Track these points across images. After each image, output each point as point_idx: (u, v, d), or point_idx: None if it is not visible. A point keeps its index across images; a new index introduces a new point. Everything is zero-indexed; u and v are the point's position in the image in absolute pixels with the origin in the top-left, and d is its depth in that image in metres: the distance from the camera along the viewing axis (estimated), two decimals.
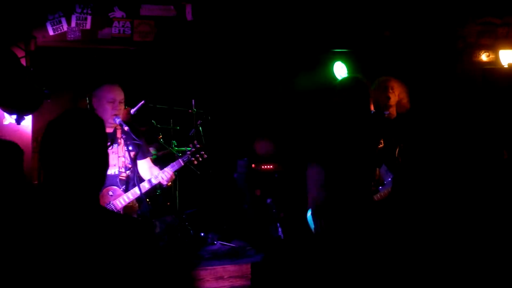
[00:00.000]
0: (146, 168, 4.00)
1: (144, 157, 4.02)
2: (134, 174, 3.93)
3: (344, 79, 3.83)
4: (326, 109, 3.76)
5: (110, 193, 3.77)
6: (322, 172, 3.42)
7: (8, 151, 2.65)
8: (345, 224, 3.27)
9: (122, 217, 1.81)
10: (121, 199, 3.76)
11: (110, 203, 3.74)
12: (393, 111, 4.28)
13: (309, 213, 4.21)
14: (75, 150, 1.65)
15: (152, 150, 5.21)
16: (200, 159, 4.01)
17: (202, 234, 5.55)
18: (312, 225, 4.21)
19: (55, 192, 1.64)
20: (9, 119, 4.50)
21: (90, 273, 1.57)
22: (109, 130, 3.87)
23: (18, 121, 4.31)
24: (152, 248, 1.69)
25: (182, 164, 3.95)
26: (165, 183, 3.93)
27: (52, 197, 1.64)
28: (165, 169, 3.91)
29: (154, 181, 3.89)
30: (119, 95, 3.85)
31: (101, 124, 1.74)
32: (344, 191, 3.31)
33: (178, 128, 5.67)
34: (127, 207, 3.78)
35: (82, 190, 1.65)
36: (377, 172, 3.93)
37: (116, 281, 1.60)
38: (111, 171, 3.81)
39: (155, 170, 4.01)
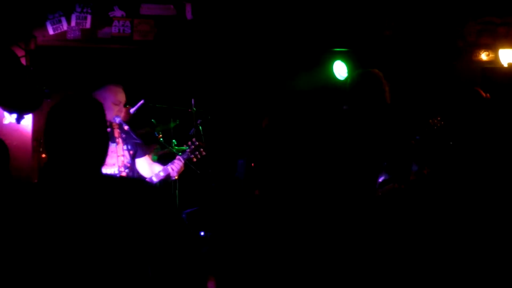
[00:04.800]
0: (146, 166, 4.00)
1: (143, 154, 4.02)
2: (134, 173, 3.93)
3: (353, 75, 3.79)
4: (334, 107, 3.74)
5: None
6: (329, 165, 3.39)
7: None
8: (344, 219, 3.26)
9: (131, 182, 1.90)
10: None
11: None
12: None
13: None
14: (78, 130, 1.75)
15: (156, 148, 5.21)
16: (199, 156, 4.01)
17: (202, 234, 5.54)
18: None
19: (60, 170, 1.72)
20: (9, 118, 4.51)
21: (104, 238, 1.64)
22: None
23: (18, 120, 4.32)
24: (167, 211, 1.75)
25: (183, 161, 3.96)
26: (175, 174, 3.94)
27: (57, 175, 1.72)
28: (175, 160, 3.93)
29: (155, 179, 3.88)
30: (123, 97, 3.86)
31: (100, 106, 1.84)
32: (349, 187, 3.30)
33: (178, 122, 5.65)
34: None
35: (85, 165, 1.74)
36: None
37: (128, 244, 1.66)
38: (111, 170, 3.81)
39: (156, 166, 4.01)
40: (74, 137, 1.73)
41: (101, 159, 1.80)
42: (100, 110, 1.82)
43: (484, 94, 3.74)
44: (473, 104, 3.62)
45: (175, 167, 3.90)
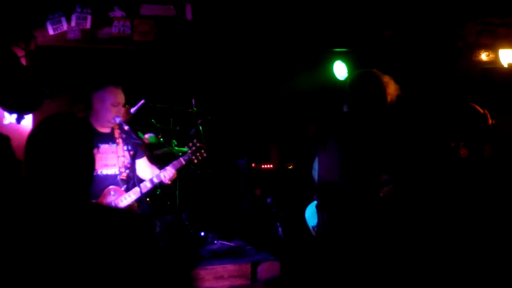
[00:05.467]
0: (145, 167, 4.00)
1: (142, 156, 4.03)
2: (134, 173, 3.93)
3: (351, 75, 3.79)
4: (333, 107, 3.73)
5: (112, 193, 3.77)
6: (330, 166, 3.39)
7: None
8: (348, 220, 3.25)
9: (114, 213, 1.81)
10: (123, 198, 3.76)
11: (112, 203, 3.75)
12: None
13: (307, 212, 4.22)
14: (61, 153, 1.66)
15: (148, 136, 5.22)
16: (200, 157, 4.02)
17: (202, 234, 5.54)
18: (310, 224, 4.21)
19: (41, 193, 1.64)
20: (9, 118, 4.50)
21: (84, 272, 1.56)
22: (106, 130, 3.87)
23: (18, 120, 4.31)
24: (148, 244, 1.69)
25: (184, 163, 3.97)
26: (167, 181, 3.95)
27: (38, 199, 1.64)
28: (167, 167, 3.93)
29: (156, 180, 3.90)
30: (122, 98, 3.87)
31: (86, 127, 1.76)
32: (351, 188, 3.29)
33: (178, 128, 5.67)
34: (127, 207, 3.78)
35: (68, 190, 1.66)
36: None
37: (111, 278, 1.58)
38: (112, 171, 3.81)
39: (155, 168, 4.01)
40: (56, 162, 1.64)
41: (87, 182, 1.72)
42: (85, 133, 1.73)
43: (481, 110, 3.74)
44: (470, 121, 3.63)
45: (167, 175, 3.90)
